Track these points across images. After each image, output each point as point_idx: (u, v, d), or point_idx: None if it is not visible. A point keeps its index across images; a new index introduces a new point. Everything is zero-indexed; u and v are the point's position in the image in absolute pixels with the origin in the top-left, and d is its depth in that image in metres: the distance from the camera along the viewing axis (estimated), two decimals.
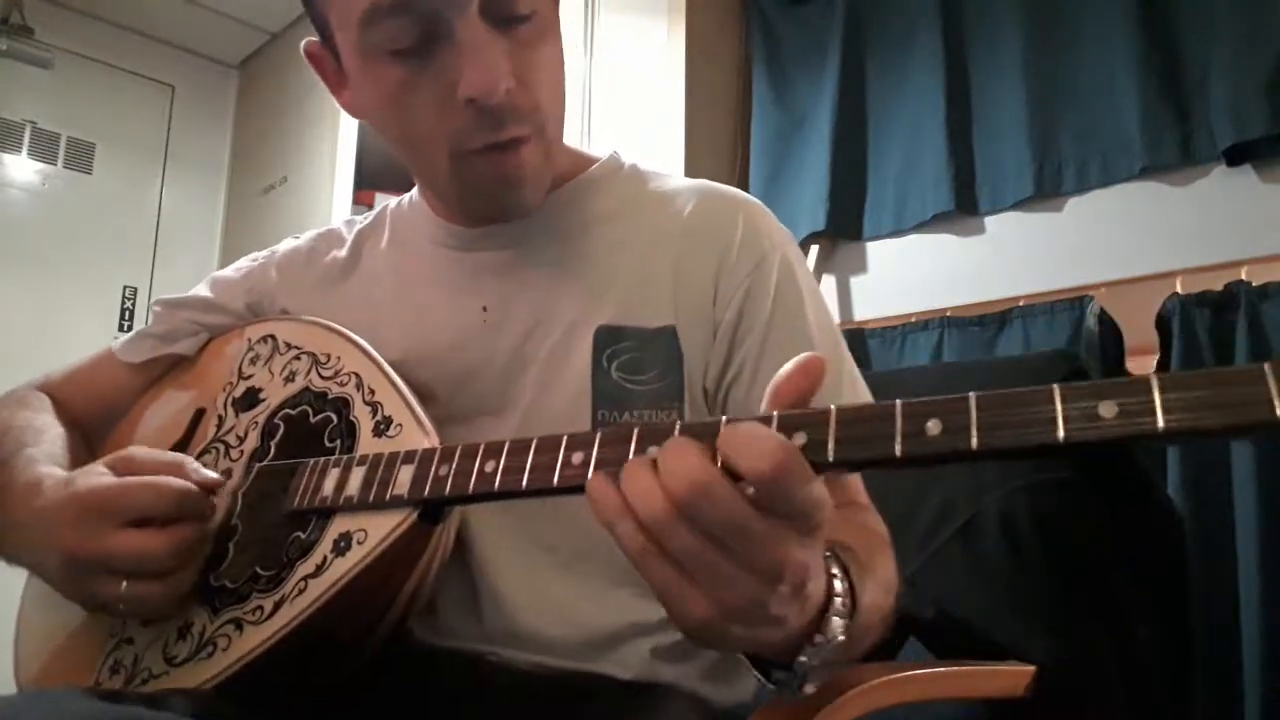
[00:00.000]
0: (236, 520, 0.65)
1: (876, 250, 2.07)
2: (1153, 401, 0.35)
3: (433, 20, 0.61)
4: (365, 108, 0.72)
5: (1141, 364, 1.55)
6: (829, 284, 2.12)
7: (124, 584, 0.56)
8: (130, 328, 3.01)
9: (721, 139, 2.30)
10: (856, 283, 2.10)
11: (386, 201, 0.88)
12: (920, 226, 1.98)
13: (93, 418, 0.81)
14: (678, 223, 0.74)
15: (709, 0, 2.30)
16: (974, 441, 0.37)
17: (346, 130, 2.70)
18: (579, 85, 2.31)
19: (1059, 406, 0.36)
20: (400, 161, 0.75)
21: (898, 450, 0.39)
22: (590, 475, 0.44)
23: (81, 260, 2.93)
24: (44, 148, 2.91)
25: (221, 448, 0.73)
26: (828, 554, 0.47)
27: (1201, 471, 1.42)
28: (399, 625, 0.62)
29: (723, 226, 0.74)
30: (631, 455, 0.46)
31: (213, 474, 0.63)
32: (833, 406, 0.42)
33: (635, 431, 0.47)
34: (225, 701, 0.55)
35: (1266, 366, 0.33)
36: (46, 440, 0.71)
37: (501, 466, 0.52)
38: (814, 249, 2.11)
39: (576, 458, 0.49)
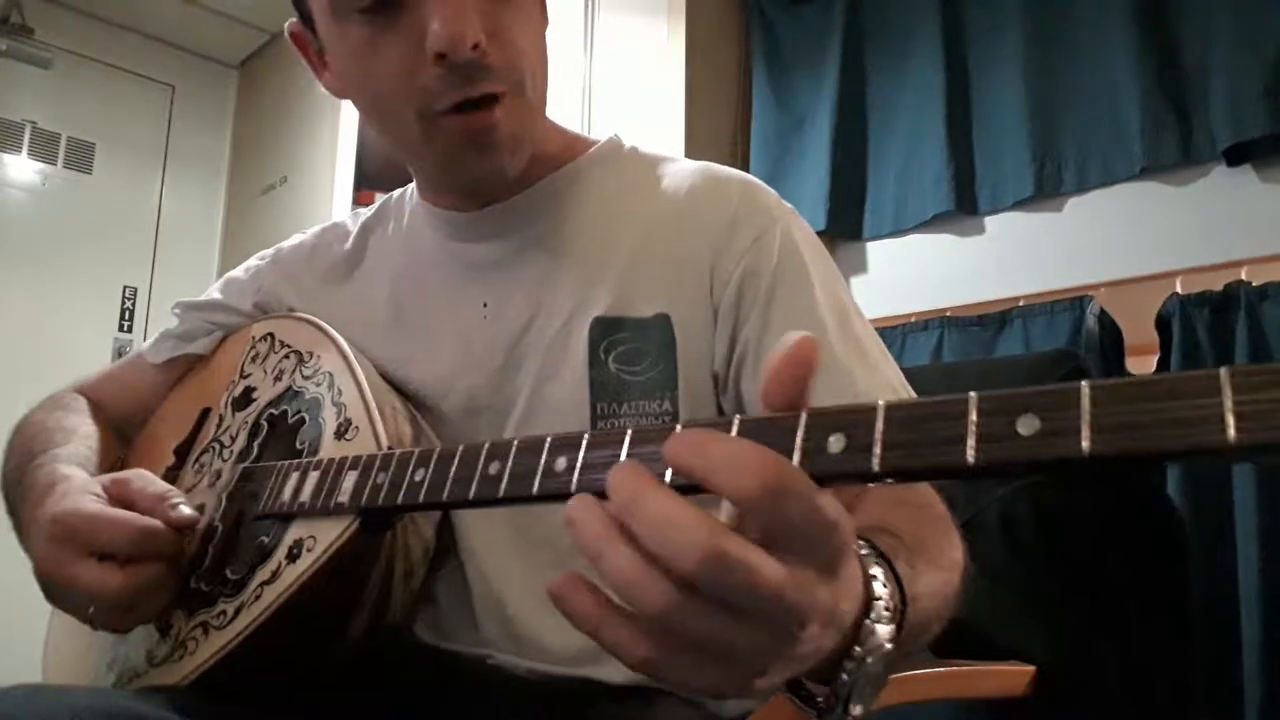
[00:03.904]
0: (218, 522, 0.65)
1: (876, 250, 2.07)
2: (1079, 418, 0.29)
3: None
4: (341, 79, 0.70)
5: (1142, 364, 1.55)
6: None
7: (91, 608, 0.57)
8: (130, 328, 3.00)
9: (721, 139, 2.30)
10: (856, 283, 2.10)
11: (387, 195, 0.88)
12: (920, 226, 1.98)
13: (127, 415, 0.85)
14: (673, 206, 0.72)
15: (709, 0, 2.30)
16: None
17: (346, 130, 2.69)
18: (579, 85, 2.31)
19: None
20: (396, 157, 0.73)
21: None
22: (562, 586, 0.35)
23: (81, 260, 2.93)
24: (44, 148, 2.91)
25: (217, 447, 0.74)
26: (864, 551, 0.40)
27: (1201, 471, 1.42)
28: (371, 627, 0.62)
29: (719, 206, 0.70)
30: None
31: (189, 512, 0.60)
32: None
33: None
34: (204, 699, 0.55)
35: (1223, 372, 0.27)
36: (75, 440, 0.73)
37: (429, 479, 0.49)
38: None
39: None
